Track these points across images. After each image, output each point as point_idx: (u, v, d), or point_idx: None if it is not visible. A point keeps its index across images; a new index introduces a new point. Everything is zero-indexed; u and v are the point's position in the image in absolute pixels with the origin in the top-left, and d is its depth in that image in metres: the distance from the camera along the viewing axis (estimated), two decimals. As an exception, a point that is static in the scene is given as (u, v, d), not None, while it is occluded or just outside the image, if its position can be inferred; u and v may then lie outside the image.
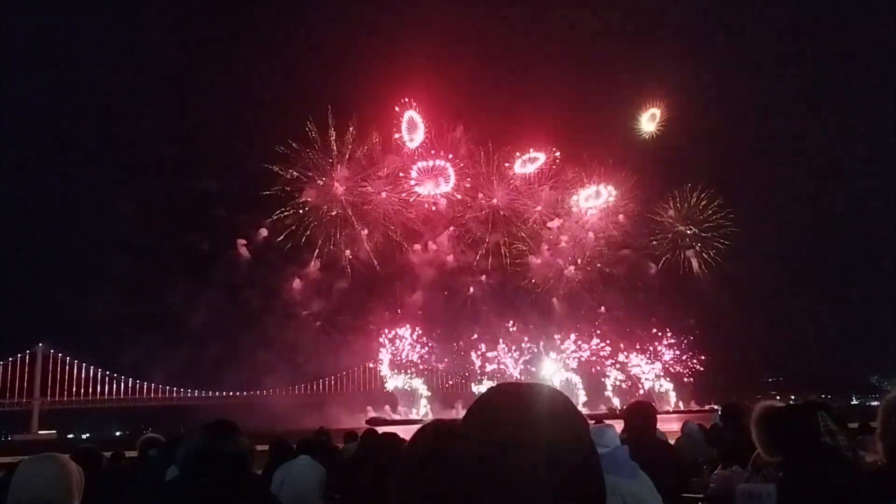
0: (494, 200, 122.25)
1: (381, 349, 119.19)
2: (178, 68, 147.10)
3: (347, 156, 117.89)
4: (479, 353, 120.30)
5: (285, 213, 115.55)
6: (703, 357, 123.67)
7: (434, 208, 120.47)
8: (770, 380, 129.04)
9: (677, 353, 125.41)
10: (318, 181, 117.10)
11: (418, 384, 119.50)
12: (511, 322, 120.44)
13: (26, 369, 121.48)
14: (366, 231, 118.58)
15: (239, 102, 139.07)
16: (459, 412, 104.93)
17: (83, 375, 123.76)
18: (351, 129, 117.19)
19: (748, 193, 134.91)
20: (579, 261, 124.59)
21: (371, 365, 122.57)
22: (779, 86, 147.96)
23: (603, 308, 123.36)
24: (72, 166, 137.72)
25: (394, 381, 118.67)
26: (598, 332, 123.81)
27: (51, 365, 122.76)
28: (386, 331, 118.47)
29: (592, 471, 1.39)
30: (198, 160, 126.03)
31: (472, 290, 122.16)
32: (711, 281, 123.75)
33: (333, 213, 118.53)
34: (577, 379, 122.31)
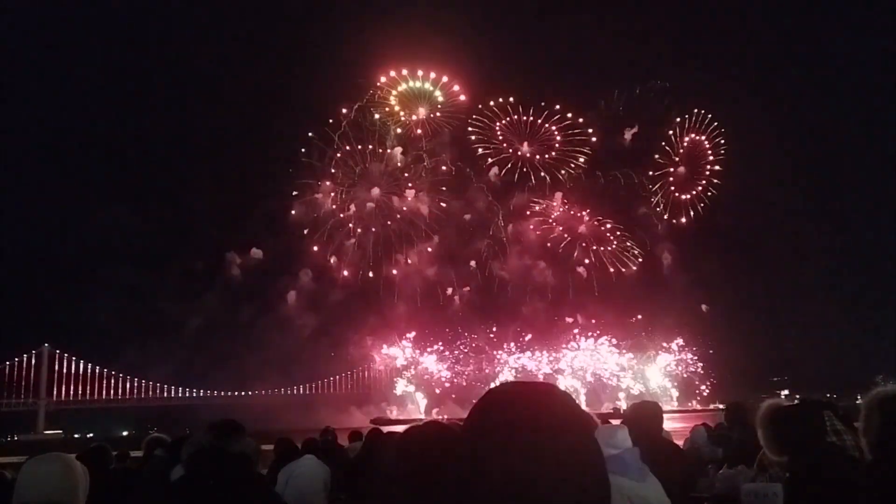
0: (467, 217, 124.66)
1: (379, 353, 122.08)
2: (184, 82, 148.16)
3: (333, 170, 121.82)
4: (470, 357, 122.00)
5: (278, 227, 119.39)
6: (697, 359, 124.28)
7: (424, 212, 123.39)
8: (775, 379, 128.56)
9: (679, 352, 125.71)
10: (316, 195, 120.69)
11: (411, 385, 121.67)
12: (494, 328, 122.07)
13: (32, 370, 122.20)
14: (353, 240, 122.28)
15: (238, 117, 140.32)
16: (451, 409, 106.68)
17: (88, 376, 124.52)
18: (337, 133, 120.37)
19: (750, 192, 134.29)
20: (543, 263, 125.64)
21: (362, 369, 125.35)
22: (787, 81, 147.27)
23: (578, 317, 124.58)
24: (76, 176, 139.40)
25: (401, 384, 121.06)
26: (585, 330, 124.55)
27: (56, 365, 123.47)
28: (371, 339, 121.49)
29: (597, 472, 1.37)
30: (198, 174, 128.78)
31: (457, 300, 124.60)
32: (716, 280, 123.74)
33: (327, 225, 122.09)
34: (576, 380, 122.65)
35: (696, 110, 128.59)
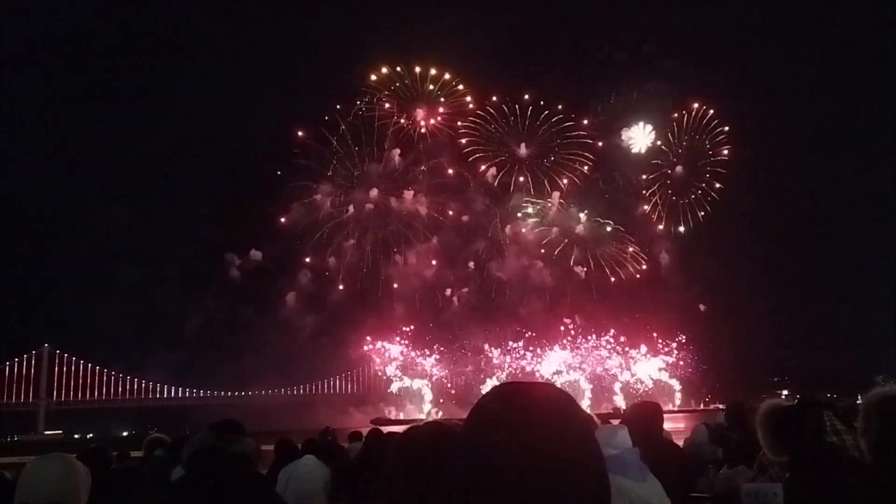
0: (465, 218, 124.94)
1: (378, 354, 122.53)
2: (183, 82, 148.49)
3: (331, 172, 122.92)
4: (469, 357, 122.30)
5: (276, 230, 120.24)
6: (697, 358, 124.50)
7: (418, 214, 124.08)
8: (775, 379, 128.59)
9: (678, 352, 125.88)
10: (314, 196, 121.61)
11: (413, 385, 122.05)
12: (493, 329, 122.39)
13: (32, 370, 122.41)
14: (351, 241, 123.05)
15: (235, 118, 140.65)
16: (450, 409, 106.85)
17: (89, 376, 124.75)
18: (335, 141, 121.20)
19: (750, 192, 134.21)
20: (541, 263, 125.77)
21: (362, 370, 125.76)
22: (776, 74, 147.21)
23: (577, 318, 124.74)
24: (77, 177, 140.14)
25: (397, 384, 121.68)
26: (584, 332, 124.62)
27: (56, 365, 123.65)
28: (370, 339, 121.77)
29: (597, 472, 1.37)
30: (197, 175, 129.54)
31: (455, 301, 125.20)
32: (714, 279, 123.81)
33: (326, 226, 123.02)
34: (578, 377, 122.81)
35: (695, 105, 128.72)
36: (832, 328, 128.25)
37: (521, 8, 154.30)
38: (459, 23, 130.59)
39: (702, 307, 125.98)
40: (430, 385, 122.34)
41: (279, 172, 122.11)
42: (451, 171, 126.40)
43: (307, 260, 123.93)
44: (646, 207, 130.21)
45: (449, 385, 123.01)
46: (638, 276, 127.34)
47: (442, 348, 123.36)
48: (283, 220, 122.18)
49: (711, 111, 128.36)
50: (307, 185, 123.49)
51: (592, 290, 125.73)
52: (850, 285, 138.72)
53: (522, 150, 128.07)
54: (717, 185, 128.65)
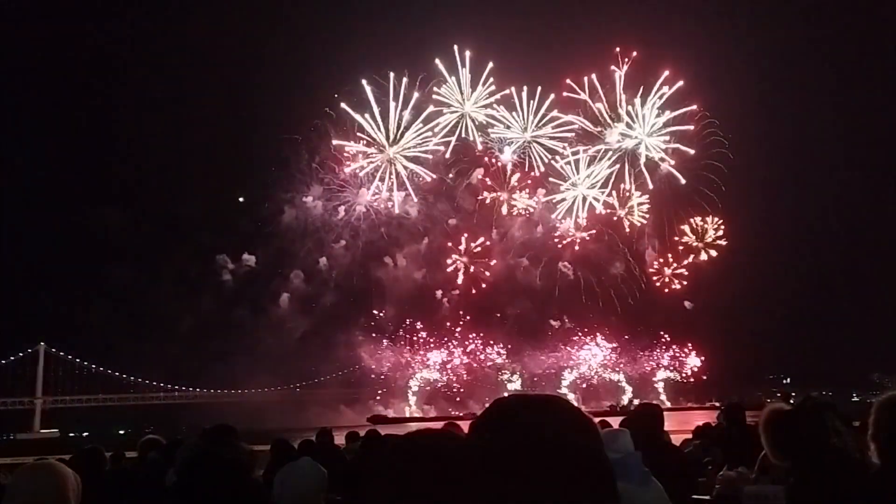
0: (452, 221, 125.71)
1: (370, 353, 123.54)
2: (179, 84, 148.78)
3: (321, 174, 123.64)
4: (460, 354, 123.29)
5: (267, 232, 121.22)
6: (688, 354, 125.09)
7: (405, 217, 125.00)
8: (771, 376, 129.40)
9: (671, 350, 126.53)
10: (304, 198, 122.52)
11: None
12: (483, 329, 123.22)
13: (28, 368, 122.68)
14: (343, 242, 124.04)
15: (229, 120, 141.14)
16: (442, 407, 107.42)
17: (84, 374, 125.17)
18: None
19: (750, 191, 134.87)
20: (527, 261, 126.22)
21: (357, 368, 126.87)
22: (787, 76, 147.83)
23: (565, 318, 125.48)
24: (73, 178, 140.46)
25: (391, 384, 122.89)
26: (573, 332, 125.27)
27: (52, 364, 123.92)
28: (361, 339, 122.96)
29: (604, 482, 1.36)
30: (191, 177, 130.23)
31: (445, 301, 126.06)
32: (711, 279, 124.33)
33: (317, 228, 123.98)
34: (574, 376, 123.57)
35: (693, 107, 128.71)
36: (828, 325, 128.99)
37: (518, 8, 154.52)
38: (452, 23, 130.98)
39: (687, 304, 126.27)
40: (422, 383, 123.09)
41: (271, 175, 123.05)
42: (437, 175, 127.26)
43: (299, 262, 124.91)
44: (623, 216, 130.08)
45: (438, 384, 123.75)
46: (631, 301, 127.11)
47: (432, 347, 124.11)
48: (276, 221, 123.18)
49: (708, 112, 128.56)
50: (299, 187, 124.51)
51: (581, 287, 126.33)
52: (846, 283, 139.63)
53: (507, 153, 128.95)
54: (718, 221, 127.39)
